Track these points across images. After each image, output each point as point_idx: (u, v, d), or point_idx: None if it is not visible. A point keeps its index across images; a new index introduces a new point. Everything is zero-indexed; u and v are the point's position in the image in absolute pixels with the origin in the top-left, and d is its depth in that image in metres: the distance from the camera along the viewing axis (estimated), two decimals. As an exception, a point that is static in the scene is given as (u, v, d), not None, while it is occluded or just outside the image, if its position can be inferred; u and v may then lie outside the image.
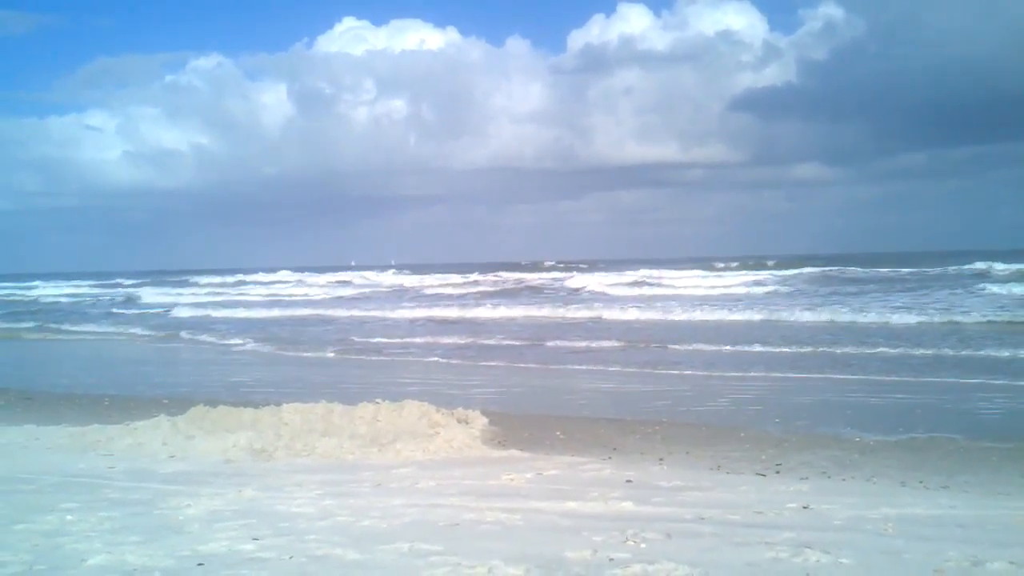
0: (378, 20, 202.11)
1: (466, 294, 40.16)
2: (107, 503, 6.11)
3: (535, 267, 67.66)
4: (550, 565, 4.46)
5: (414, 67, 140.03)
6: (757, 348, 16.68)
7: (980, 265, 38.16)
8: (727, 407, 10.80)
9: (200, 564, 4.58)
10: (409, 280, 54.04)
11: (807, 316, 22.76)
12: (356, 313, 31.03)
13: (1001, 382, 11.96)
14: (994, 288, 28.00)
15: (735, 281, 39.02)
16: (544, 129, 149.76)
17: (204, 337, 23.78)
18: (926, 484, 6.69)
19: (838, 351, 15.96)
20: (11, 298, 51.64)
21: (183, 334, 24.79)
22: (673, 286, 38.87)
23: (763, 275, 42.32)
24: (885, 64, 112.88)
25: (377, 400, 9.49)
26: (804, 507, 5.74)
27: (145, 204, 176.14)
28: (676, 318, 24.53)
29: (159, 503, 6.08)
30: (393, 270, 70.71)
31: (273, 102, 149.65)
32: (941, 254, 63.21)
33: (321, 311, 32.42)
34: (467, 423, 9.08)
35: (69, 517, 5.66)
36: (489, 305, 31.03)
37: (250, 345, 21.19)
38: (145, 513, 5.80)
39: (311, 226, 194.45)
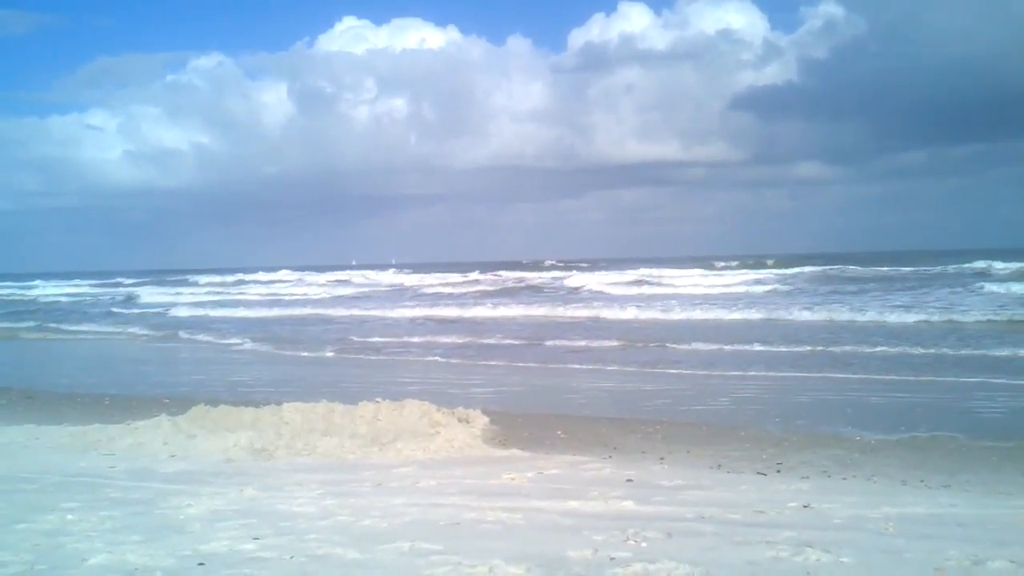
0: (379, 19, 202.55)
1: (466, 293, 40.17)
2: (108, 502, 6.11)
3: (535, 266, 67.62)
4: (551, 564, 4.46)
5: (415, 66, 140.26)
6: (757, 347, 16.68)
7: (980, 264, 38.12)
8: (727, 406, 10.80)
9: (201, 564, 4.58)
10: (409, 279, 54.01)
11: (807, 315, 22.76)
12: (355, 312, 31.02)
13: (1002, 381, 11.96)
14: (994, 287, 28.00)
15: (735, 280, 39.01)
16: (545, 128, 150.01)
17: (202, 337, 23.76)
18: (927, 483, 6.70)
19: (838, 350, 15.95)
20: (11, 298, 51.64)
21: (182, 334, 24.76)
22: (673, 285, 38.87)
23: (763, 274, 42.31)
24: (886, 63, 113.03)
25: (378, 399, 9.48)
26: (805, 506, 5.74)
27: (146, 204, 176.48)
28: (676, 317, 24.54)
29: (160, 502, 6.08)
30: (394, 269, 70.69)
31: (274, 101, 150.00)
32: (941, 253, 63.20)
33: (320, 310, 32.39)
34: (468, 422, 9.08)
35: (70, 516, 5.66)
36: (489, 304, 31.03)
37: (248, 344, 21.18)
38: (146, 512, 5.80)
39: (312, 225, 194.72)
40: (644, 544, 4.82)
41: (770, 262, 54.84)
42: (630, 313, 25.81)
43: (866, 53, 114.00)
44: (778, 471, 7.24)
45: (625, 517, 5.46)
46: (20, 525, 5.46)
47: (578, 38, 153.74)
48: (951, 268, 38.06)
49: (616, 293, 35.90)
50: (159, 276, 76.77)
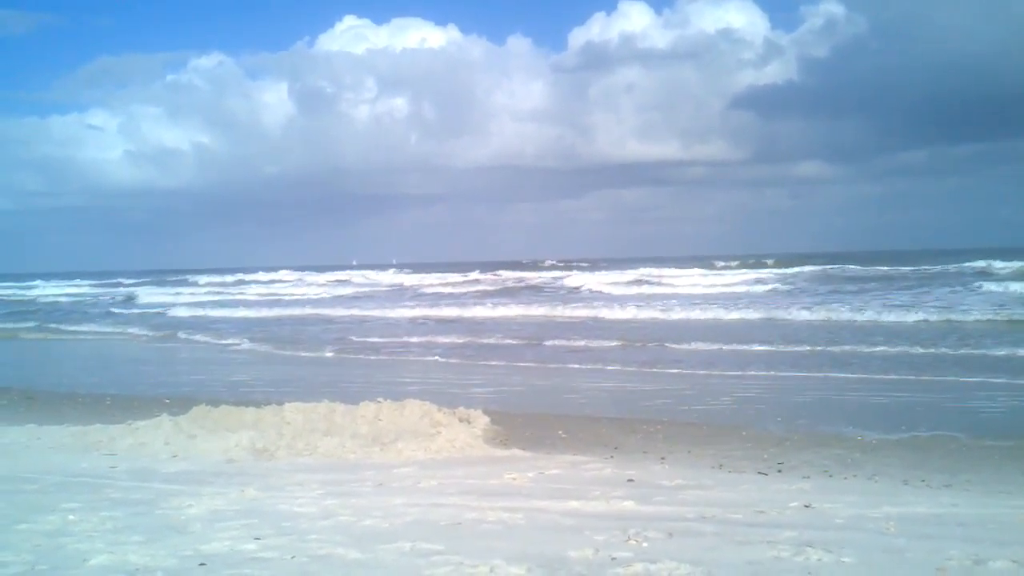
0: (379, 19, 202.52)
1: (466, 293, 40.17)
2: (109, 503, 6.11)
3: (535, 266, 67.67)
4: (552, 564, 4.46)
5: (415, 65, 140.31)
6: (757, 347, 16.68)
7: (980, 263, 38.11)
8: (728, 406, 10.80)
9: (202, 564, 4.58)
10: (409, 279, 54.02)
11: (807, 315, 22.76)
12: (355, 312, 31.00)
13: (1002, 380, 11.96)
14: (994, 286, 28.00)
15: (735, 279, 39.01)
16: (545, 127, 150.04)
17: (200, 337, 23.73)
18: (928, 483, 6.70)
19: (838, 349, 15.95)
20: (11, 298, 51.65)
21: (180, 334, 24.73)
22: (672, 285, 38.89)
23: (763, 273, 42.31)
24: (886, 62, 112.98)
25: (379, 399, 9.48)
26: (806, 506, 5.74)
27: (146, 204, 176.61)
28: (675, 317, 24.53)
29: (161, 503, 6.08)
30: (394, 269, 70.70)
31: (274, 101, 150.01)
32: (941, 252, 63.22)
33: (320, 310, 32.38)
34: (469, 422, 9.08)
35: (71, 517, 5.66)
36: (489, 304, 31.02)
37: (246, 344, 21.16)
38: (147, 513, 5.80)
39: (312, 225, 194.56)
40: (645, 544, 4.82)
41: (770, 261, 54.85)
42: (630, 313, 25.81)
43: (867, 52, 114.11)
44: (779, 471, 7.24)
45: (626, 517, 5.46)
46: (21, 525, 5.46)
47: (578, 37, 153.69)
48: (951, 267, 38.04)
49: (616, 293, 35.90)
50: (159, 276, 76.83)
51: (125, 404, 11.73)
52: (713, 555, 4.59)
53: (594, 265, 65.26)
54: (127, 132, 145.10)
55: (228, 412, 9.29)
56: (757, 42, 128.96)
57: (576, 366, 15.39)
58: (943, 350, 15.37)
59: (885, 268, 40.38)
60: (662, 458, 7.81)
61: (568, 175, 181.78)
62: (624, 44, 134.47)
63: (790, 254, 64.51)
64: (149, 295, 46.76)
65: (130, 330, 27.38)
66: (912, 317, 21.05)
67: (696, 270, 45.89)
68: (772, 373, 13.48)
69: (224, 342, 22.09)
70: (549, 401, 11.74)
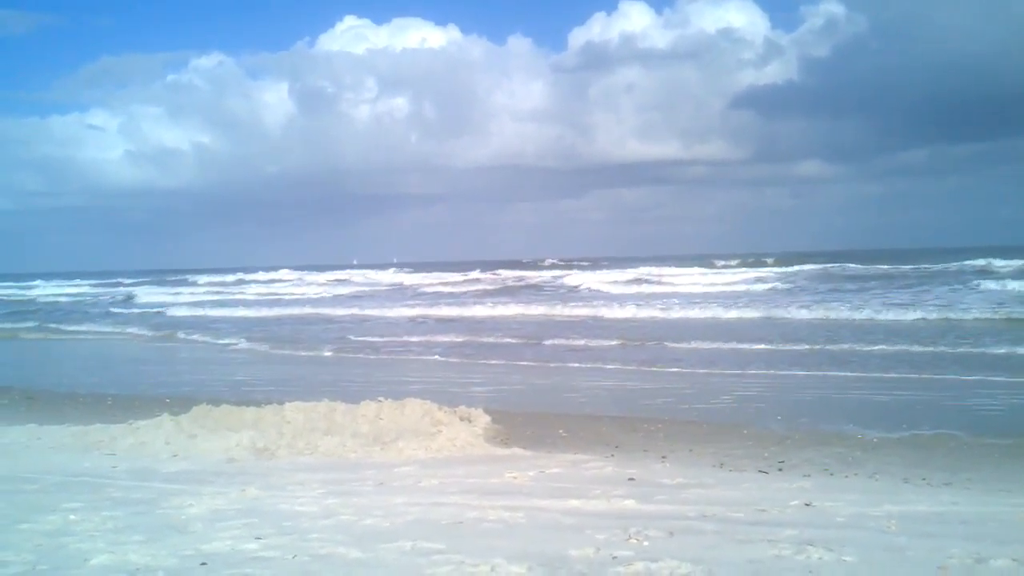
0: (379, 19, 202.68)
1: (466, 292, 40.16)
2: (110, 502, 6.11)
3: (535, 265, 67.65)
4: (553, 563, 4.46)
5: (415, 65, 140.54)
6: (758, 345, 16.69)
7: (980, 262, 38.13)
8: (729, 404, 10.80)
9: (203, 563, 4.58)
10: (409, 278, 54.00)
11: (807, 313, 22.76)
12: (354, 312, 30.99)
13: (1002, 379, 11.96)
14: (993, 285, 28.01)
15: (735, 278, 39.01)
16: (545, 127, 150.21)
17: (198, 336, 23.71)
18: (929, 481, 6.70)
19: (839, 348, 15.96)
20: (11, 298, 51.64)
21: (179, 334, 24.72)
22: (672, 284, 38.88)
23: (763, 272, 42.29)
24: (886, 61, 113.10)
25: (379, 398, 9.48)
26: (807, 504, 5.74)
27: (147, 203, 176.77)
28: (675, 316, 24.52)
29: (162, 502, 6.08)
30: (394, 268, 70.69)
31: (275, 101, 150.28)
32: (941, 250, 63.18)
33: (319, 310, 32.36)
34: (470, 421, 9.08)
35: (72, 517, 5.66)
36: (489, 303, 31.03)
37: (243, 344, 21.15)
38: (148, 512, 5.80)
39: (313, 225, 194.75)
40: (646, 543, 4.82)
41: (770, 260, 54.92)
42: (629, 312, 25.81)
43: (867, 52, 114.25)
44: (780, 469, 7.24)
45: (627, 516, 5.46)
46: (22, 525, 5.46)
47: (579, 37, 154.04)
48: (951, 266, 38.02)
49: (615, 292, 35.88)
50: (160, 276, 76.86)
51: (126, 404, 11.73)
52: (714, 554, 4.59)
53: (594, 264, 65.23)
54: (127, 132, 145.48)
55: (229, 411, 9.29)
56: (757, 42, 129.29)
57: (576, 365, 15.39)
58: (943, 348, 15.37)
59: (885, 267, 40.40)
60: (663, 457, 7.81)
61: (568, 175, 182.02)
62: (624, 44, 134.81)
63: (790, 253, 64.50)
64: (148, 295, 46.73)
65: (129, 330, 27.37)
66: (912, 315, 21.05)
67: (696, 269, 45.89)
68: (772, 372, 13.48)
69: (222, 342, 22.08)
70: (550, 400, 11.74)
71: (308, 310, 32.39)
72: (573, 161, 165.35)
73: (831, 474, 7.03)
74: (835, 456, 7.71)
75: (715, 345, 17.02)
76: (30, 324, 31.15)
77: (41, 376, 16.49)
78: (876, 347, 15.77)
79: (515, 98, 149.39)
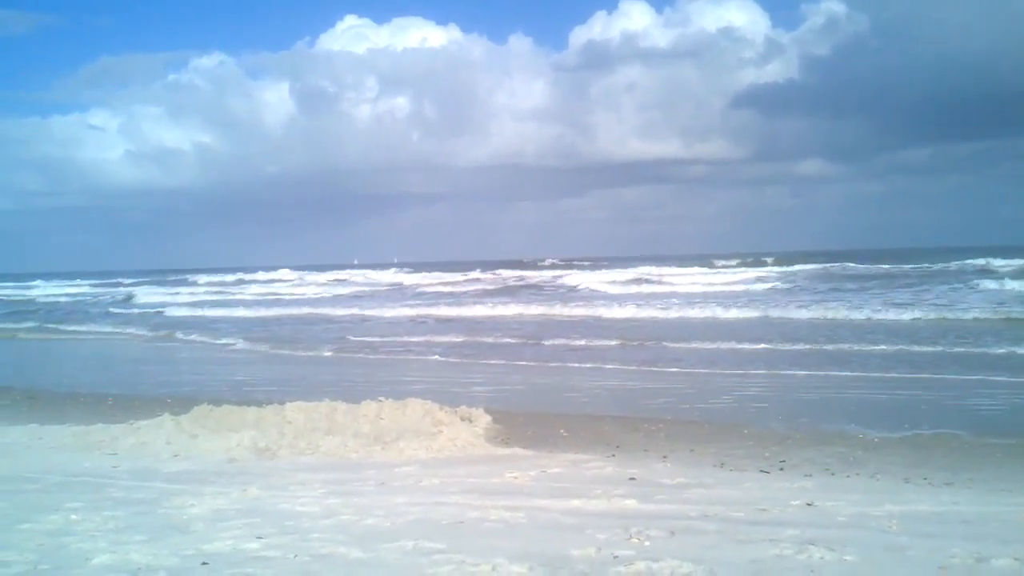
0: (380, 18, 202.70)
1: (466, 292, 40.15)
2: (111, 502, 6.11)
3: (535, 265, 67.65)
4: (554, 563, 4.46)
5: (416, 65, 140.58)
6: (758, 345, 16.68)
7: (980, 261, 38.14)
8: (730, 404, 10.80)
9: (204, 563, 4.58)
10: (408, 278, 53.98)
11: (807, 313, 22.76)
12: (354, 312, 30.97)
13: (1003, 378, 11.96)
14: (994, 284, 28.01)
15: (735, 278, 39.03)
16: (546, 126, 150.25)
17: (196, 336, 23.70)
18: (930, 480, 6.70)
19: (839, 347, 15.95)
20: (11, 298, 51.65)
21: (176, 334, 24.69)
22: (672, 283, 38.88)
23: (764, 272, 42.30)
24: (887, 60, 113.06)
25: (380, 398, 9.48)
26: (808, 504, 5.74)
27: (147, 203, 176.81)
28: (675, 316, 24.51)
29: (163, 502, 6.09)
30: (395, 268, 70.70)
31: (275, 101, 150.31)
32: (942, 250, 63.16)
33: (318, 310, 32.35)
34: (470, 421, 9.08)
35: (73, 516, 5.66)
36: (489, 303, 31.02)
37: (240, 344, 21.14)
38: (149, 512, 5.80)
39: (314, 225, 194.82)
40: (647, 543, 4.82)
41: (770, 260, 54.91)
42: (629, 312, 25.81)
43: (868, 50, 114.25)
44: (781, 469, 7.24)
45: (628, 515, 5.46)
46: (24, 525, 5.46)
47: (580, 36, 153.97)
48: (952, 265, 38.02)
49: (615, 292, 35.88)
50: (160, 276, 76.84)
51: (127, 404, 11.74)
52: (715, 553, 4.59)
53: (594, 264, 65.22)
54: (128, 132, 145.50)
55: (230, 411, 9.30)
56: (758, 41, 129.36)
57: (576, 365, 15.39)
58: (943, 348, 15.36)
59: (886, 266, 40.41)
60: (664, 456, 7.81)
61: (569, 174, 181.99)
62: (625, 43, 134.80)
63: (790, 252, 64.55)
64: (147, 295, 46.68)
65: (128, 330, 27.35)
66: (912, 315, 21.06)
67: (696, 269, 45.89)
68: (773, 371, 13.47)
69: (220, 341, 22.06)
70: (550, 400, 11.74)
71: (307, 310, 32.38)
72: (574, 160, 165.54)
73: (832, 474, 7.03)
74: (836, 456, 7.71)
75: (715, 345, 17.01)
76: (30, 324, 31.17)
77: (42, 376, 16.50)
78: (876, 347, 15.77)
79: (516, 97, 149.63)
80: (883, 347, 15.70)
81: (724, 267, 49.41)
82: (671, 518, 5.34)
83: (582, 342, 18.71)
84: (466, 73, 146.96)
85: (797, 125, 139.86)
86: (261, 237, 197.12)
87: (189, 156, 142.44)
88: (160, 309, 36.22)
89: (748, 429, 9.05)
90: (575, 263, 68.66)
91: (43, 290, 57.91)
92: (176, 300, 41.54)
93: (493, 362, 16.05)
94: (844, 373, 13.08)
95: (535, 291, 39.46)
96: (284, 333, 23.46)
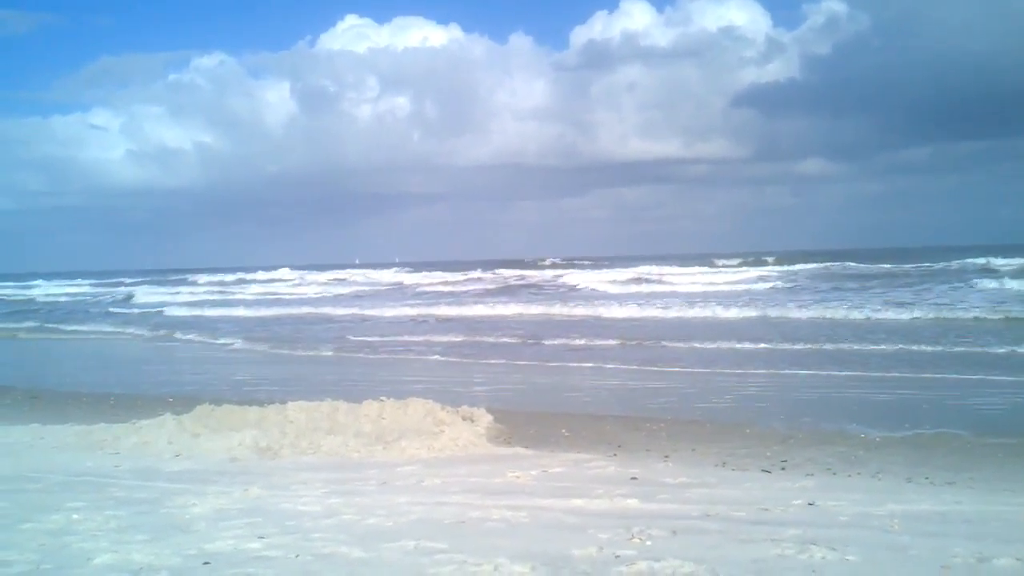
0: (381, 18, 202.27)
1: (466, 292, 40.14)
2: (113, 502, 6.12)
3: (536, 264, 67.61)
4: (556, 563, 4.46)
5: (417, 64, 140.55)
6: (759, 345, 16.67)
7: (981, 260, 38.11)
8: (731, 404, 10.80)
9: (206, 563, 4.59)
10: (409, 278, 53.93)
11: (808, 312, 22.74)
12: (355, 311, 30.95)
13: (1005, 378, 11.95)
14: (995, 283, 27.99)
15: (736, 277, 39.01)
16: (547, 126, 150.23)
17: (195, 336, 23.70)
18: (932, 480, 6.70)
19: (840, 347, 15.95)
20: (11, 298, 51.68)
21: (175, 333, 24.69)
22: (672, 283, 38.85)
23: (765, 271, 42.28)
24: (888, 59, 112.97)
25: (382, 398, 9.48)
26: (810, 504, 5.74)
27: (148, 203, 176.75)
28: (676, 315, 24.49)
29: (165, 502, 6.09)
30: (396, 268, 70.69)
31: (276, 100, 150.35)
32: (943, 249, 63.11)
33: (319, 309, 32.31)
34: (472, 421, 9.07)
35: (75, 516, 5.67)
36: (489, 303, 30.99)
37: (239, 344, 21.13)
38: (151, 512, 5.81)
39: (315, 224, 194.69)
40: (649, 542, 4.82)
41: (771, 259, 54.89)
42: (630, 311, 25.79)
43: (869, 49, 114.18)
44: (783, 468, 7.24)
45: (630, 515, 5.46)
46: (26, 525, 5.47)
47: (580, 36, 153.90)
48: (953, 264, 37.99)
49: (615, 292, 35.83)
50: (161, 276, 76.81)
51: (128, 403, 11.74)
52: (717, 553, 4.59)
53: (595, 263, 65.20)
54: (129, 132, 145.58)
55: (231, 411, 9.30)
56: (759, 40, 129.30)
57: (578, 364, 15.39)
58: (944, 347, 15.35)
59: (886, 265, 40.37)
60: (665, 456, 7.81)
61: (570, 173, 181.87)
62: (626, 42, 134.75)
63: (791, 252, 64.54)
64: (147, 295, 46.61)
65: (128, 330, 27.36)
66: (913, 314, 21.04)
67: (697, 268, 45.86)
68: (774, 371, 13.47)
69: (219, 341, 22.05)
70: (551, 399, 11.74)
71: (308, 310, 32.34)
72: (574, 160, 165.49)
73: (834, 473, 7.03)
74: (838, 455, 7.71)
75: (716, 344, 17.00)
76: (30, 324, 31.19)
77: (43, 376, 16.51)
78: (877, 346, 15.76)
79: (517, 97, 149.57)
80: (884, 347, 15.70)
81: (725, 266, 49.35)
82: (673, 518, 5.34)
83: (583, 341, 18.70)
84: (467, 72, 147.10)
85: (798, 124, 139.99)
86: (261, 237, 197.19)
87: (190, 156, 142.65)
88: (160, 309, 36.18)
89: (750, 429, 9.04)
90: (576, 262, 68.62)
91: (44, 290, 57.89)
92: (176, 300, 41.51)
93: (494, 362, 16.05)
94: (845, 372, 13.07)
95: (536, 291, 39.43)
96: (284, 333, 23.46)
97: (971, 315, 20.58)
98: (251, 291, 47.43)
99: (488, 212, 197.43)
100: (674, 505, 5.73)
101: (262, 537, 5.06)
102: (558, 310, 27.51)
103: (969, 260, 38.45)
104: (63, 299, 48.75)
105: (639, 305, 27.11)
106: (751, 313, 23.58)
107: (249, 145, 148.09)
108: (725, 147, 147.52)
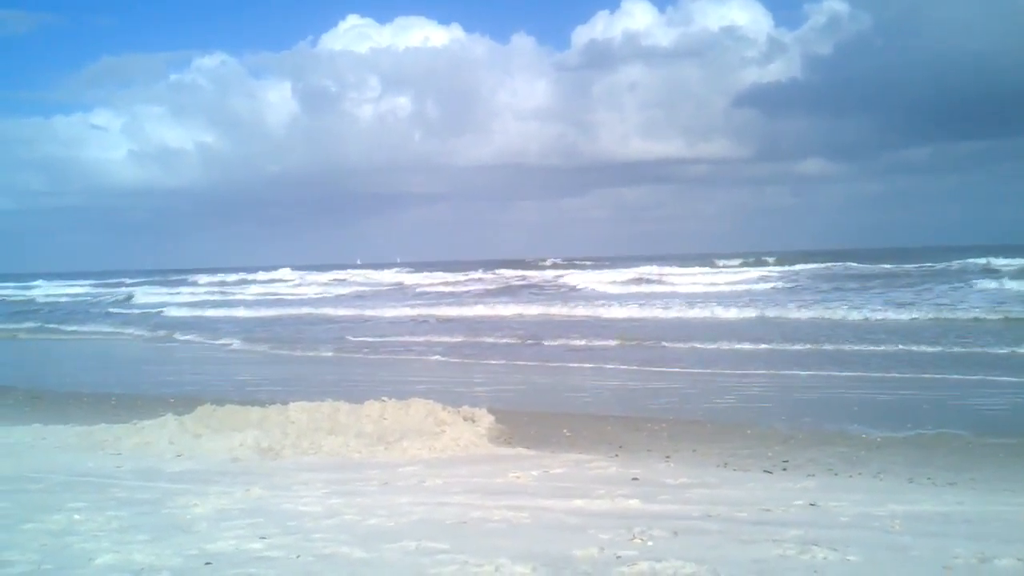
0: (382, 18, 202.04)
1: (466, 292, 40.13)
2: (115, 502, 6.12)
3: (536, 264, 67.60)
4: (557, 563, 4.47)
5: (418, 64, 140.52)
6: (760, 345, 16.67)
7: (982, 260, 38.09)
8: (732, 404, 10.80)
9: (208, 563, 4.59)
10: (409, 278, 53.90)
11: (809, 312, 22.74)
12: (355, 312, 30.94)
13: (1006, 378, 11.95)
14: (996, 283, 27.97)
15: (737, 278, 38.98)
16: (548, 126, 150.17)
17: (194, 336, 23.70)
18: (933, 480, 6.70)
19: (841, 347, 15.94)
20: (11, 298, 51.69)
21: (175, 334, 24.70)
22: (673, 283, 38.83)
23: (765, 271, 42.26)
24: (890, 59, 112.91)
25: (383, 398, 9.48)
26: (811, 504, 5.74)
27: (150, 203, 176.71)
28: (676, 315, 24.48)
29: (167, 502, 6.10)
30: (397, 268, 70.68)
31: (278, 100, 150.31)
32: (944, 249, 63.05)
33: (319, 310, 32.28)
34: (473, 421, 9.07)
35: (77, 516, 5.67)
36: (490, 303, 30.98)
37: (238, 344, 21.12)
38: (153, 512, 5.81)
39: (316, 224, 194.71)
40: (650, 543, 4.82)
41: (772, 259, 54.85)
42: (630, 311, 25.78)
43: (870, 49, 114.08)
44: (784, 469, 7.24)
45: (631, 515, 5.46)
46: (27, 525, 5.47)
47: (582, 36, 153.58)
48: (953, 264, 37.97)
49: (616, 292, 35.81)
50: (162, 276, 76.79)
51: (129, 404, 11.75)
52: (718, 553, 4.59)
53: (596, 263, 65.17)
54: (131, 132, 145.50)
55: (233, 411, 9.30)
56: (760, 40, 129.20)
57: (578, 365, 15.39)
58: (945, 348, 15.35)
59: (887, 265, 40.36)
60: (667, 456, 7.81)
61: (571, 173, 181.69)
62: (627, 42, 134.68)
63: (792, 252, 64.52)
64: (147, 295, 46.57)
65: (128, 330, 27.36)
66: (914, 315, 21.03)
67: (697, 268, 45.83)
68: (775, 371, 13.46)
69: (219, 342, 22.04)
70: (552, 400, 11.74)
71: (308, 310, 32.32)
72: (575, 160, 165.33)
73: (835, 474, 7.03)
74: (839, 456, 7.71)
75: (717, 345, 16.99)
76: (31, 324, 31.20)
77: (44, 376, 16.52)
78: (878, 347, 15.76)
79: (518, 96, 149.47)
80: (884, 347, 15.69)
81: (726, 267, 49.33)
82: (674, 518, 5.34)
83: (583, 342, 18.70)
84: (468, 72, 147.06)
85: (799, 124, 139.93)
86: (262, 237, 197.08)
87: (191, 156, 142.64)
88: (160, 309, 36.16)
89: (751, 429, 9.04)
90: (576, 263, 68.60)
91: (44, 290, 57.90)
92: (176, 300, 41.48)
93: (495, 362, 16.05)
94: (846, 373, 13.07)
95: (536, 291, 39.42)
96: (285, 333, 23.46)
97: (971, 315, 20.57)
98: (251, 291, 47.39)
99: (489, 212, 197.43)
100: (675, 506, 5.73)
101: (264, 537, 5.06)
102: (559, 310, 27.51)
103: (969, 260, 38.41)
104: (63, 299, 48.75)
105: (640, 305, 27.09)
106: (752, 313, 23.57)
107: (250, 145, 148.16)
108: (726, 147, 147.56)
